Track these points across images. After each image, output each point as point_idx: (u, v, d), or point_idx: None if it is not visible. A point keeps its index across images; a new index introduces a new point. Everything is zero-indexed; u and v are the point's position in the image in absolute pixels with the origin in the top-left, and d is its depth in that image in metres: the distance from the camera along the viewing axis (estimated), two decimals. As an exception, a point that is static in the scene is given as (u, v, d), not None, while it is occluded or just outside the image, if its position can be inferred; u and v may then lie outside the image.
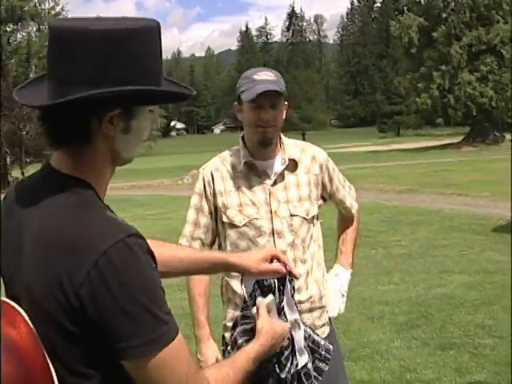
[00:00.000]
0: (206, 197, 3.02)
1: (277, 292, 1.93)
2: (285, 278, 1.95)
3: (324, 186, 3.07)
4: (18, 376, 1.36)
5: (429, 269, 9.28)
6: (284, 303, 1.93)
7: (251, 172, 2.96)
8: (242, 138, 3.03)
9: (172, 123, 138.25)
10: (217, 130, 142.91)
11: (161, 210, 18.77)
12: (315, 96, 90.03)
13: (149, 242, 1.47)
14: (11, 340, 1.39)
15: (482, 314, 6.90)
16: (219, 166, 3.02)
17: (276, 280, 1.95)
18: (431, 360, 5.71)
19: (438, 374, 5.40)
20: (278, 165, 2.96)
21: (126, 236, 1.39)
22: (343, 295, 3.11)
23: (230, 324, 2.98)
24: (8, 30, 39.48)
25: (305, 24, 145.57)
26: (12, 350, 1.38)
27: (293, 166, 2.98)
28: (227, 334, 2.96)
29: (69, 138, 1.48)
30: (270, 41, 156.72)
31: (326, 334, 3.00)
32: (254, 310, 1.92)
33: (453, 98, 49.25)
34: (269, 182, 2.95)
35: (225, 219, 2.96)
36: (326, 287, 3.07)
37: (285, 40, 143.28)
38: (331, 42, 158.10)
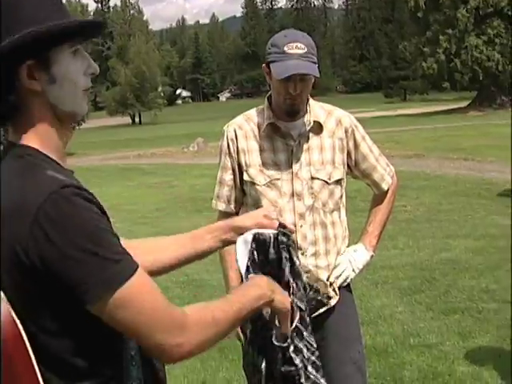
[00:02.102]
0: (230, 154, 2.99)
1: (271, 247, 1.88)
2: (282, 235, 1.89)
3: (348, 153, 3.01)
4: None
5: (433, 233, 9.29)
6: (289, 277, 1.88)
7: (275, 132, 2.93)
8: (268, 98, 2.99)
9: (178, 91, 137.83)
10: (223, 97, 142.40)
11: (166, 178, 18.78)
12: (320, 61, 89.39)
13: (123, 241, 1.49)
14: None
15: (487, 278, 6.91)
16: (243, 124, 3.00)
17: (271, 234, 1.89)
18: (435, 324, 5.72)
19: (441, 338, 5.41)
20: (303, 126, 2.93)
21: (60, 187, 1.39)
22: (353, 270, 3.01)
23: None
24: None
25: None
26: None
27: (317, 128, 2.94)
28: None
29: (7, 110, 1.47)
30: (275, 7, 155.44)
31: (334, 302, 3.00)
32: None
33: (459, 62, 48.84)
34: (292, 143, 2.91)
35: (246, 177, 2.95)
36: (339, 256, 3.02)
37: (289, 6, 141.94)
38: (336, 6, 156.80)
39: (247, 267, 1.85)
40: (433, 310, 6.09)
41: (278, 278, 1.84)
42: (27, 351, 1.40)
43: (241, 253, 1.87)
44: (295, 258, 1.90)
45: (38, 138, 1.49)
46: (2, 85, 1.43)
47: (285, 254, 1.87)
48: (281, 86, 2.84)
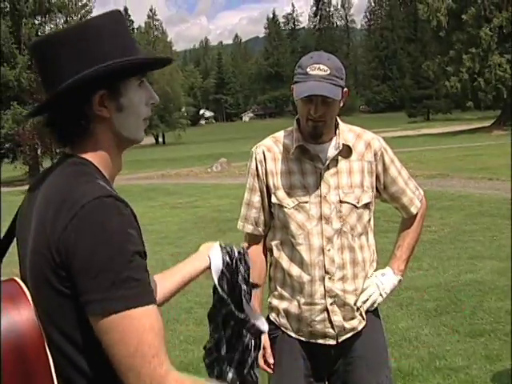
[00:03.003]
0: (258, 176, 2.98)
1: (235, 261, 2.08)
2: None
3: (377, 176, 2.98)
4: (12, 349, 1.40)
5: (458, 254, 9.19)
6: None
7: (304, 155, 2.92)
8: (297, 120, 2.98)
9: (201, 112, 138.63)
10: (246, 117, 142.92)
11: (190, 199, 18.82)
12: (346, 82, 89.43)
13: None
14: (12, 319, 1.43)
15: (513, 300, 6.81)
16: (272, 147, 2.99)
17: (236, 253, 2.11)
18: (461, 347, 5.65)
19: (467, 361, 5.34)
20: (332, 149, 2.91)
21: (105, 196, 1.44)
22: (381, 294, 2.98)
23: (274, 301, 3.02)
24: (36, 22, 39.70)
25: (332, 9, 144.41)
26: (11, 329, 1.42)
27: (347, 151, 2.92)
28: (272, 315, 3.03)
29: (70, 133, 1.56)
30: (298, 27, 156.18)
31: (362, 326, 2.98)
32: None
33: (483, 80, 48.68)
34: (321, 166, 2.89)
35: (274, 200, 2.94)
36: (367, 280, 2.99)
37: (312, 26, 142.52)
38: (359, 27, 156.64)
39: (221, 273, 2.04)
40: (459, 333, 6.01)
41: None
42: (47, 358, 1.43)
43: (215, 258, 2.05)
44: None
45: (96, 157, 1.57)
46: (77, 110, 1.53)
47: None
48: (303, 107, 2.84)
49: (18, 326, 1.43)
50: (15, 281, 1.52)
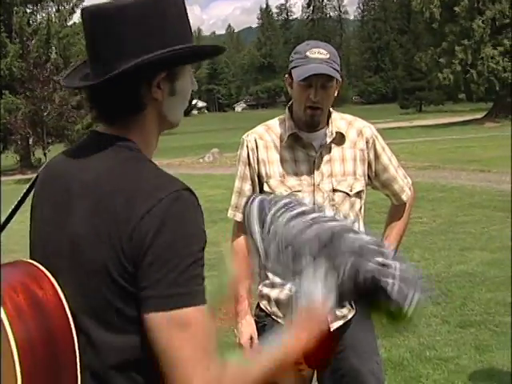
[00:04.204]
0: (250, 164, 2.97)
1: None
2: None
3: (369, 163, 2.99)
4: (40, 331, 1.37)
5: (449, 245, 9.23)
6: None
7: (296, 143, 2.92)
8: (289, 107, 2.98)
9: (193, 102, 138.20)
10: (238, 107, 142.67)
11: (181, 189, 18.79)
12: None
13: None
14: (38, 299, 1.40)
15: (503, 291, 6.85)
16: (263, 135, 2.98)
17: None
18: (451, 337, 5.69)
19: (457, 351, 5.37)
20: (325, 137, 2.91)
21: (183, 189, 1.43)
22: None
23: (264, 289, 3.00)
24: (28, 11, 39.46)
25: (325, 0, 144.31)
26: (38, 308, 1.39)
27: (340, 139, 2.93)
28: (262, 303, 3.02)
29: (122, 111, 1.53)
30: (291, 18, 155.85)
31: (352, 315, 2.98)
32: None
33: (475, 73, 48.72)
34: (314, 154, 2.90)
35: (266, 188, 2.92)
36: None
37: (305, 17, 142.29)
38: (352, 17, 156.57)
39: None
40: (449, 323, 6.05)
41: None
42: (74, 344, 1.40)
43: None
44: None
45: (141, 141, 1.55)
46: (135, 89, 1.51)
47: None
48: (301, 92, 2.83)
49: (44, 305, 1.40)
50: (31, 263, 1.49)
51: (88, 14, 1.51)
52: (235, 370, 1.45)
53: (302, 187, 2.87)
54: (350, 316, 2.98)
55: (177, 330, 1.35)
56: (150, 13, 1.50)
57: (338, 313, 2.93)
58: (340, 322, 2.95)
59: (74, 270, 1.45)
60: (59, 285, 1.43)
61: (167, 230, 1.36)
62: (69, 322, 1.41)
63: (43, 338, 1.37)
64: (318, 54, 2.77)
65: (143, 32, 1.49)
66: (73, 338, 1.40)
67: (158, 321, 1.35)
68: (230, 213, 3.08)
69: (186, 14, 1.59)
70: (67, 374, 1.41)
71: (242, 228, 3.04)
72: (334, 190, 2.89)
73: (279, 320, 2.98)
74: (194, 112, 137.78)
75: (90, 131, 1.63)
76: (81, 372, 1.42)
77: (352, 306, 2.97)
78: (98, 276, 1.40)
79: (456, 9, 49.13)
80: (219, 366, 1.39)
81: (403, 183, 3.12)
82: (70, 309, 1.42)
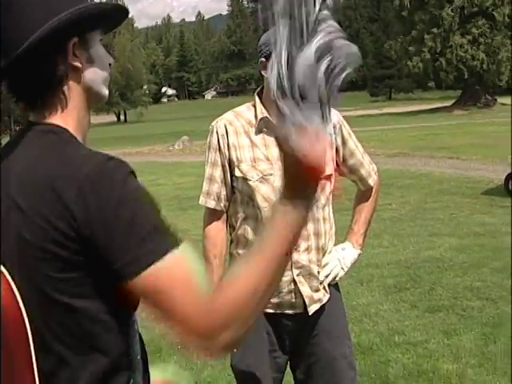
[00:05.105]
0: (220, 150, 2.96)
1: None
2: None
3: (337, 149, 3.01)
4: None
5: (418, 232, 9.31)
6: None
7: (267, 127, 2.91)
8: (258, 93, 2.98)
9: (163, 89, 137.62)
10: (208, 95, 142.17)
11: (151, 177, 18.69)
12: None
13: None
14: None
15: (471, 276, 6.94)
16: (233, 121, 2.98)
17: None
18: (419, 322, 5.74)
19: (426, 335, 5.43)
20: None
21: (107, 159, 1.39)
22: (342, 268, 3.03)
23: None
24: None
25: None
26: None
27: None
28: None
29: (42, 89, 1.47)
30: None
31: (326, 299, 3.01)
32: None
33: (444, 61, 49.15)
34: None
35: (238, 173, 2.92)
36: (328, 255, 3.02)
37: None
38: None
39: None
40: (417, 308, 6.11)
41: None
42: (26, 330, 1.38)
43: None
44: None
45: (71, 122, 1.50)
46: (50, 60, 1.45)
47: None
48: None
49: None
50: None
51: None
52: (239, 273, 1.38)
53: (274, 171, 2.88)
54: (324, 300, 2.99)
55: (162, 285, 1.33)
56: None
57: (315, 296, 2.96)
58: (316, 306, 2.97)
59: (22, 260, 1.41)
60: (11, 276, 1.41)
61: (102, 202, 1.33)
62: (21, 312, 1.39)
63: None
64: None
65: (43, 2, 1.44)
66: (25, 325, 1.39)
67: (141, 284, 1.33)
68: (202, 200, 3.07)
69: None
70: (20, 360, 1.40)
71: (213, 215, 3.04)
72: None
73: None
74: (164, 100, 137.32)
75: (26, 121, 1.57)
76: (36, 359, 1.40)
77: (326, 291, 3.01)
78: (45, 262, 1.37)
79: (425, -3, 49.44)
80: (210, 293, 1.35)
81: (369, 168, 3.16)
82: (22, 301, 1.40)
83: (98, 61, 1.54)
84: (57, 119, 1.48)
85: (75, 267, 1.37)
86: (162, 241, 1.35)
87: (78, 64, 1.47)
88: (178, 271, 1.35)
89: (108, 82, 1.60)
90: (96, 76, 1.54)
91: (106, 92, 1.60)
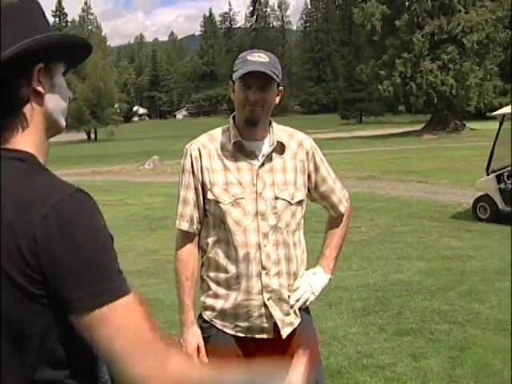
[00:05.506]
0: (193, 172, 2.96)
1: None
2: None
3: (309, 175, 3.03)
4: None
5: (387, 255, 9.37)
6: None
7: (239, 152, 2.93)
8: (233, 117, 3.00)
9: (134, 108, 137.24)
10: (179, 115, 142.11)
11: (121, 196, 18.62)
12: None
13: None
14: None
15: (438, 299, 6.99)
16: (207, 144, 2.98)
17: None
18: (388, 345, 5.76)
19: (394, 359, 5.44)
20: (266, 147, 2.94)
21: (74, 191, 1.40)
22: (313, 292, 3.03)
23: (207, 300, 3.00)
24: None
25: (269, 10, 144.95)
26: None
27: (280, 149, 2.95)
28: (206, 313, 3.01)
29: (3, 110, 1.47)
30: (234, 26, 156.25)
31: (297, 323, 3.01)
32: None
33: (414, 85, 49.73)
34: (256, 162, 2.92)
35: (210, 196, 2.92)
36: (299, 279, 3.02)
37: (248, 26, 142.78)
38: (294, 28, 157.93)
39: None
40: (386, 331, 6.13)
41: None
42: None
43: None
44: None
45: (33, 145, 1.51)
46: (14, 83, 1.46)
47: None
48: (241, 93, 2.85)
49: None
50: None
51: None
52: (181, 364, 1.46)
53: (245, 195, 2.89)
54: (296, 324, 3.00)
55: (105, 327, 1.36)
56: (18, 9, 1.49)
57: (286, 320, 2.96)
58: (289, 329, 2.97)
59: None
60: None
61: (66, 234, 1.35)
62: None
63: None
64: (258, 58, 2.83)
65: (14, 27, 1.46)
66: None
67: (85, 322, 1.35)
68: (176, 222, 3.08)
69: (45, 15, 1.59)
70: None
71: (186, 237, 3.04)
72: (277, 198, 2.92)
73: (225, 329, 2.98)
74: (135, 119, 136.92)
75: None
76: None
77: (297, 315, 3.01)
78: (10, 292, 1.38)
79: (396, 23, 50.10)
80: (163, 352, 1.40)
81: (341, 195, 3.18)
82: None
83: (60, 91, 1.56)
84: (19, 143, 1.49)
85: (37, 298, 1.38)
86: (112, 286, 1.38)
87: (41, 89, 1.49)
88: (127, 316, 1.38)
89: (65, 114, 1.62)
90: (56, 104, 1.56)
91: (64, 123, 1.62)
